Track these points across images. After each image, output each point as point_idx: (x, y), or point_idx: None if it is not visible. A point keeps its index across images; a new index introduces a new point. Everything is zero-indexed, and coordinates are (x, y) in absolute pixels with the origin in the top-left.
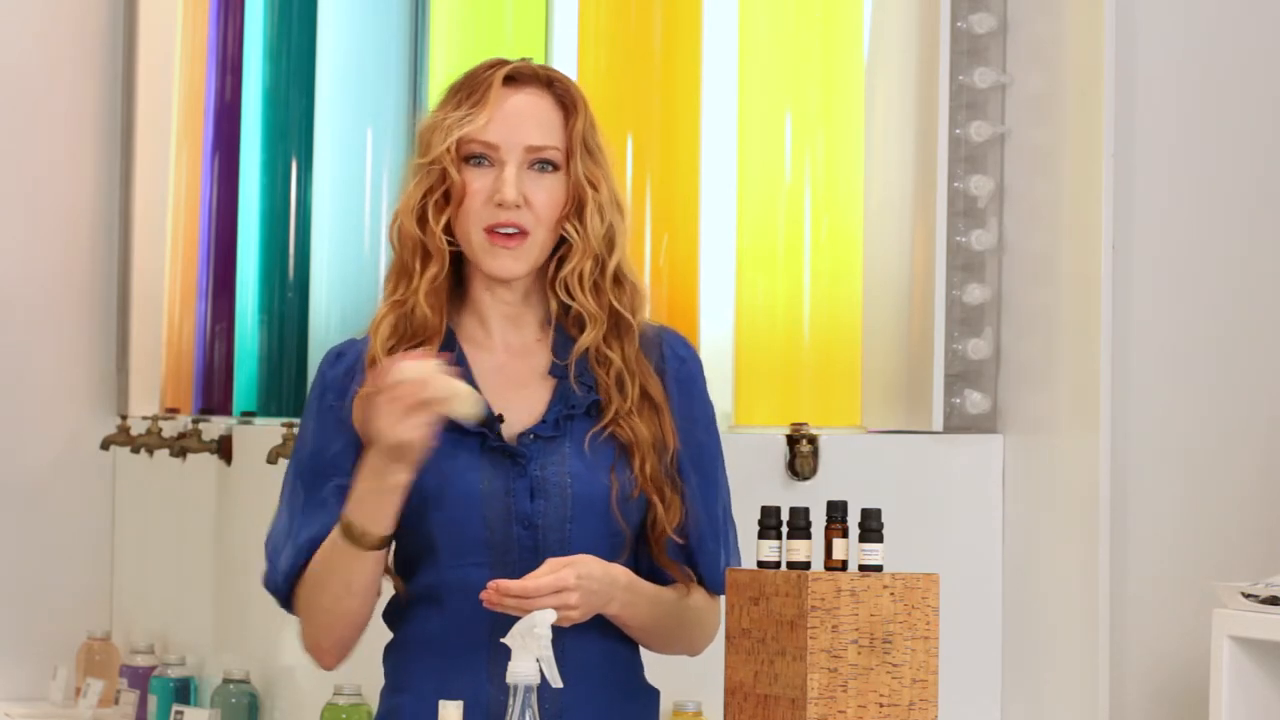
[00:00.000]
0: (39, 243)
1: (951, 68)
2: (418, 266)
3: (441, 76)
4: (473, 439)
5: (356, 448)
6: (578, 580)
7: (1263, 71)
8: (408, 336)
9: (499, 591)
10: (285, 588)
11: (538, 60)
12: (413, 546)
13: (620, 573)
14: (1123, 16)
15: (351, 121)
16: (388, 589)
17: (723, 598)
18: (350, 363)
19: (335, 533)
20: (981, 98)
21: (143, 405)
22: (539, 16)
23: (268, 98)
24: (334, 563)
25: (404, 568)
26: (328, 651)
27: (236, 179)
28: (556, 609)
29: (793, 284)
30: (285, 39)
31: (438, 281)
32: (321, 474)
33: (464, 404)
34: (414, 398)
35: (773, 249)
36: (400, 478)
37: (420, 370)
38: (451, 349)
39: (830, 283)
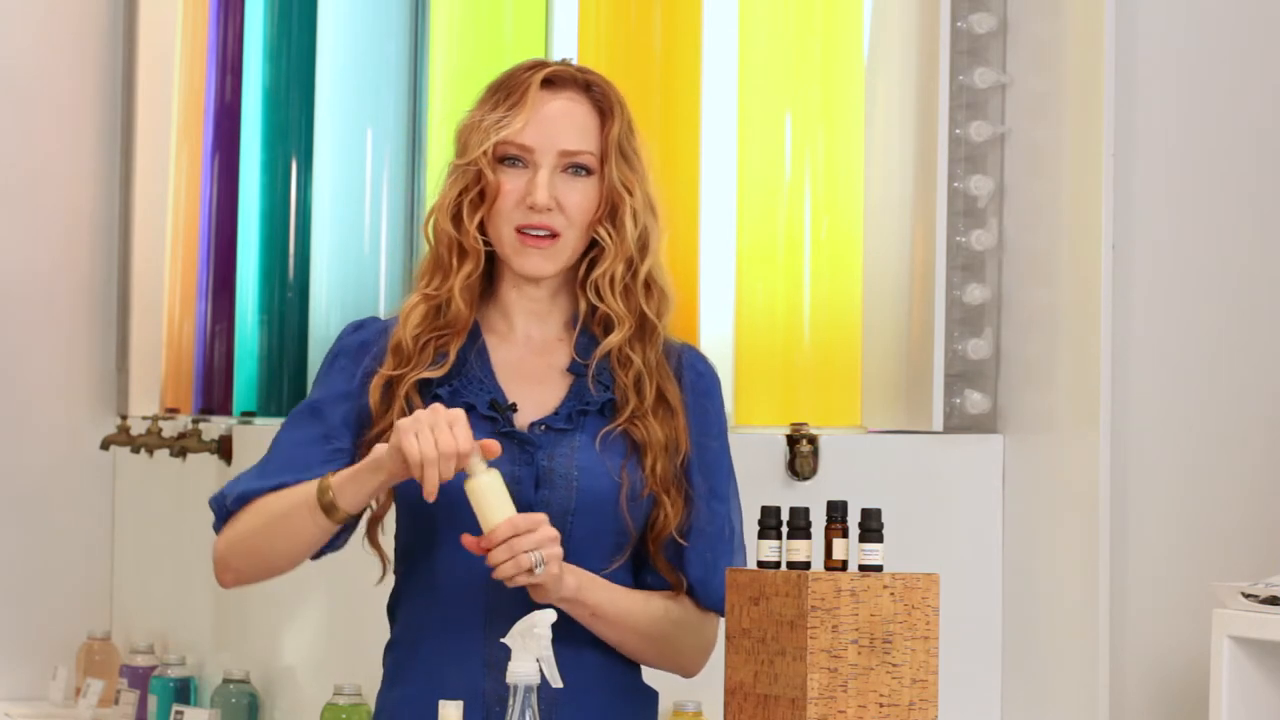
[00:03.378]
0: (39, 243)
1: (951, 68)
2: (454, 263)
3: (441, 76)
4: (484, 425)
5: (358, 415)
6: (555, 537)
7: (1263, 71)
8: (437, 327)
9: (481, 545)
10: (232, 507)
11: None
12: (415, 530)
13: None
14: (1123, 16)
15: (351, 121)
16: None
17: (721, 620)
18: (367, 336)
19: (308, 488)
20: (981, 98)
21: (143, 405)
22: (539, 16)
23: (268, 98)
24: (292, 509)
25: (404, 554)
26: (235, 571)
27: (236, 179)
28: (543, 545)
29: (793, 284)
30: (285, 39)
31: (472, 279)
32: (314, 424)
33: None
34: (449, 447)
35: (773, 249)
36: (382, 477)
37: (468, 444)
38: (475, 340)
39: (830, 283)
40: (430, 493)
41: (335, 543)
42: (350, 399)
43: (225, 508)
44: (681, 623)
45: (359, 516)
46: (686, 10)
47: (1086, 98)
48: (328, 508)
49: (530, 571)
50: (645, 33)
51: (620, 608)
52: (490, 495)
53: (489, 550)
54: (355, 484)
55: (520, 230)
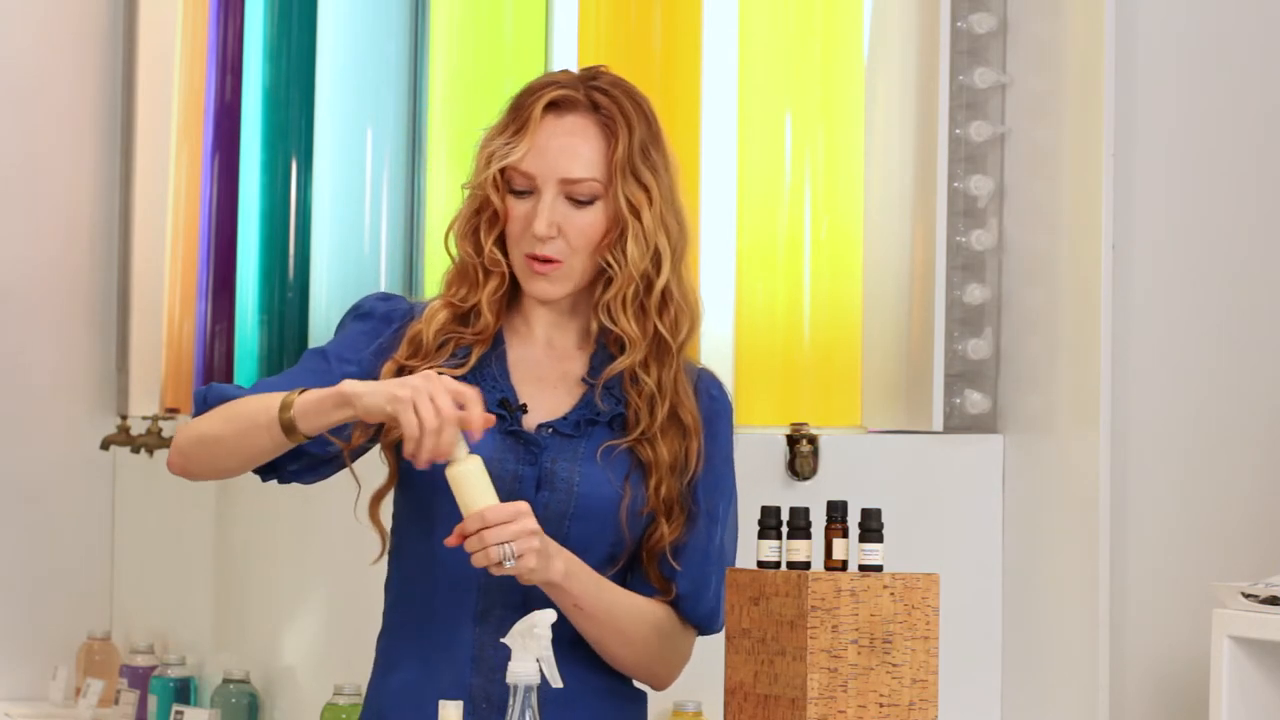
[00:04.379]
0: (39, 243)
1: (951, 68)
2: (479, 279)
3: (441, 76)
4: None
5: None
6: (532, 530)
7: (1263, 71)
8: (460, 330)
9: (459, 534)
10: (212, 402)
11: (542, 60)
12: (413, 515)
13: (557, 545)
14: (1123, 16)
15: (351, 121)
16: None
17: (699, 635)
18: (393, 311)
19: (273, 398)
20: (981, 98)
21: (143, 405)
22: (539, 16)
23: (268, 98)
24: (255, 414)
25: (401, 537)
26: (184, 457)
27: (236, 179)
28: (518, 537)
29: (793, 284)
30: (285, 39)
31: (499, 294)
32: (319, 368)
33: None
34: (450, 413)
35: (773, 249)
36: (349, 415)
37: (460, 436)
38: (499, 343)
39: (830, 283)
40: (424, 464)
41: (305, 476)
42: (360, 365)
43: (205, 401)
44: (663, 630)
45: (327, 450)
46: (686, 10)
47: (1086, 98)
48: (286, 425)
49: (500, 564)
50: (645, 33)
51: (605, 602)
52: (469, 482)
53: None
54: (319, 413)
55: (528, 256)
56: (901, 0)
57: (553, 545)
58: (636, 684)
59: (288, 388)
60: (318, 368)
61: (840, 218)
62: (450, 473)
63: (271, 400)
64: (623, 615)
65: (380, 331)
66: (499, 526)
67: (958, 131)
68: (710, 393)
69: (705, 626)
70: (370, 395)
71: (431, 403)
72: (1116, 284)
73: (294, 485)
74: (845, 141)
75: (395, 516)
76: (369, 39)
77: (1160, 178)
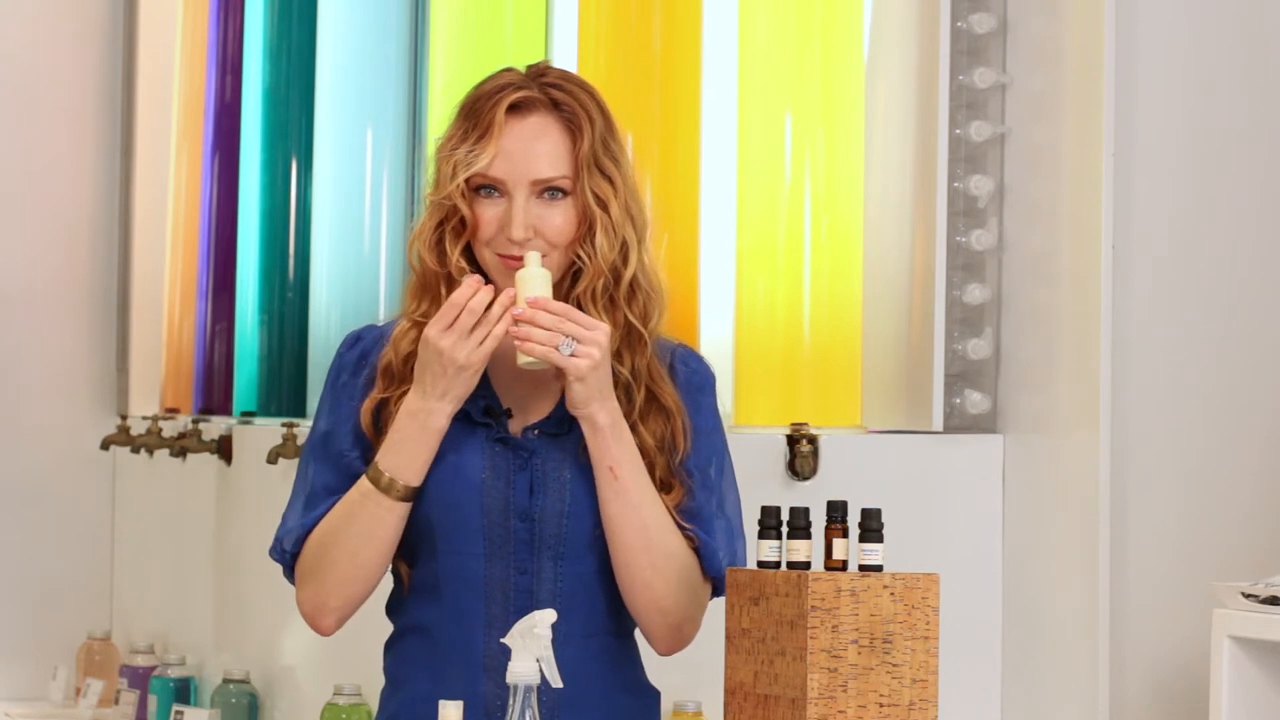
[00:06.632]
0: (39, 243)
1: (951, 68)
2: (443, 291)
3: (441, 76)
4: (479, 430)
5: (361, 430)
6: (603, 348)
7: (1263, 71)
8: None
9: (533, 304)
10: (293, 549)
11: (540, 59)
12: (412, 532)
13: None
14: (1123, 16)
15: (351, 121)
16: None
17: (716, 597)
18: (366, 347)
19: (360, 484)
20: (981, 98)
21: (143, 405)
22: (539, 16)
23: (268, 98)
24: (355, 514)
25: (403, 555)
26: (333, 611)
27: (236, 179)
28: (580, 344)
29: (793, 284)
30: (285, 39)
31: None
32: (333, 450)
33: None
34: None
35: (773, 249)
36: (441, 420)
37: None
38: None
39: (830, 283)
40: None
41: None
42: (354, 414)
43: (286, 552)
44: (684, 564)
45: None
46: (686, 10)
47: (1086, 98)
48: (386, 487)
49: (556, 349)
50: (645, 33)
51: (639, 491)
52: (533, 283)
53: (532, 309)
54: (408, 447)
55: (503, 256)
56: (901, 0)
57: (611, 393)
58: (647, 678)
59: (328, 484)
60: (329, 453)
61: (840, 218)
62: (520, 273)
63: (357, 493)
64: (652, 515)
65: (360, 372)
66: (574, 325)
67: (958, 131)
68: (688, 365)
69: (719, 581)
70: (439, 401)
71: (448, 349)
72: (1116, 284)
73: (302, 461)
74: (845, 141)
75: (399, 544)
76: (369, 39)
77: (1160, 178)
